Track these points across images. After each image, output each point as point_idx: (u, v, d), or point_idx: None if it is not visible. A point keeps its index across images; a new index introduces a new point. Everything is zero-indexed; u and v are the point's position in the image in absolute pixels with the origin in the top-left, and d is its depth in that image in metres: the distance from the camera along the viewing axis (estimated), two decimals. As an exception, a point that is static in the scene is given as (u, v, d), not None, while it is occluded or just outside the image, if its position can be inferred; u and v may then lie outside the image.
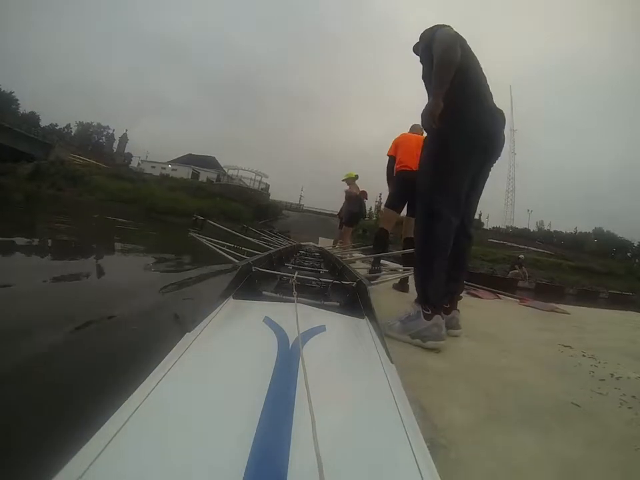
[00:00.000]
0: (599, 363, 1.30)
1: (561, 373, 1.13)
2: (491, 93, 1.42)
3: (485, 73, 1.45)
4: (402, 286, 2.58)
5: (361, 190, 5.66)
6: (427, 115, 1.28)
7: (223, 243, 2.05)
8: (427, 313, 1.23)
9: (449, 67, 1.24)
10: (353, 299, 1.08)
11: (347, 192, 5.66)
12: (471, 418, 0.70)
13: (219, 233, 2.83)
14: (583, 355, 1.39)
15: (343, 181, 5.72)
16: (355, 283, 1.16)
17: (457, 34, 1.34)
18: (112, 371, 1.06)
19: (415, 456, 0.37)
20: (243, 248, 2.24)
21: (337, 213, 8.48)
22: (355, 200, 5.51)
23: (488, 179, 1.47)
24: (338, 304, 1.09)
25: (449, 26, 1.37)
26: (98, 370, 1.12)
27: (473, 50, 1.48)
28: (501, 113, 1.39)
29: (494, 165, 1.46)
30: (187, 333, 0.59)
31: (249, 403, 0.41)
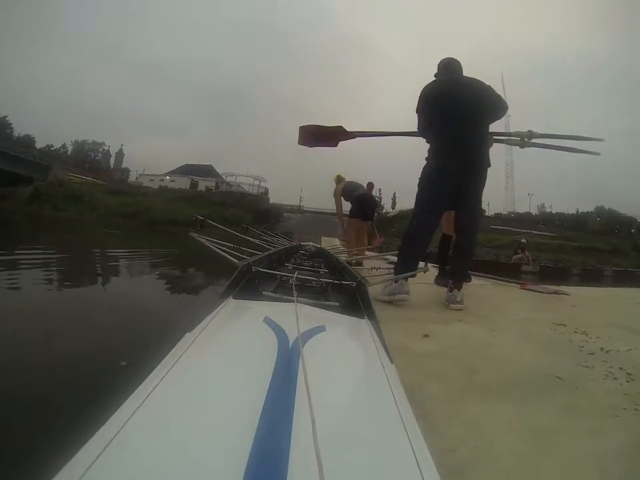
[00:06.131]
0: (590, 338, 1.32)
1: (549, 349, 1.15)
2: (463, 135, 1.86)
3: (474, 100, 1.88)
4: (441, 280, 2.52)
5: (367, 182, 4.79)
6: None
7: (223, 243, 2.05)
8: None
9: None
10: (353, 299, 1.08)
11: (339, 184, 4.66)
12: (448, 392, 0.73)
13: (219, 233, 2.84)
14: (575, 332, 1.41)
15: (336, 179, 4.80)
16: (355, 283, 1.17)
17: (421, 110, 1.99)
18: (112, 370, 1.08)
19: (415, 456, 0.36)
20: (243, 248, 2.25)
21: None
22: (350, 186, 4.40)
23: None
24: (338, 304, 1.08)
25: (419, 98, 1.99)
26: (98, 370, 1.15)
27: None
28: (466, 152, 1.87)
29: (478, 175, 1.95)
30: (187, 333, 0.59)
31: (249, 403, 0.41)
